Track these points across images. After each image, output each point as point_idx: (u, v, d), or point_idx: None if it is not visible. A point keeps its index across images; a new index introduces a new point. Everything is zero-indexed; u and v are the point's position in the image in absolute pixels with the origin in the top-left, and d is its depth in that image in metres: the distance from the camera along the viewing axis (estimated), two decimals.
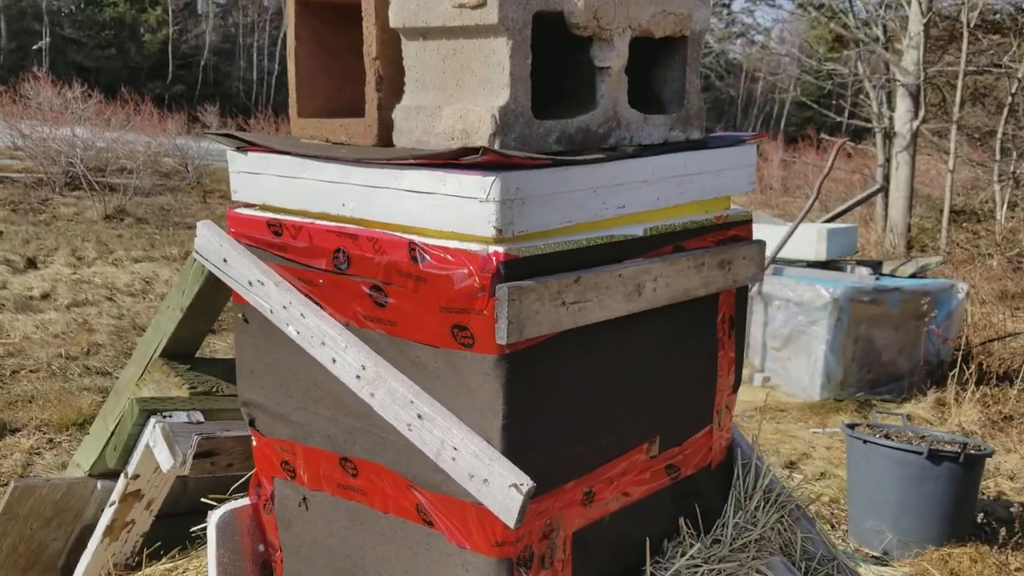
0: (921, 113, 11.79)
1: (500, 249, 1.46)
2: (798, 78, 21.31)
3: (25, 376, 5.42)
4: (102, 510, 2.85)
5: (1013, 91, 11.92)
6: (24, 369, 5.53)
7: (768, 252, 5.16)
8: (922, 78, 11.68)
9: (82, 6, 41.99)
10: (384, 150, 1.68)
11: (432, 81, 1.62)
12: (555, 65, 1.72)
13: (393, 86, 1.71)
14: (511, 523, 1.49)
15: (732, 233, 1.95)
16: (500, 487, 1.49)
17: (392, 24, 1.64)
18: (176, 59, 41.80)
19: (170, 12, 42.09)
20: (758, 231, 2.08)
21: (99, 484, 2.83)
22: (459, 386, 1.56)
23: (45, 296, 7.54)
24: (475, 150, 1.42)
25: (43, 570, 2.97)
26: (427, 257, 1.52)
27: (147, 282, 8.35)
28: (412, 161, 1.51)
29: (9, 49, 38.31)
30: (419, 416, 1.58)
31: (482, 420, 1.54)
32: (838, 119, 15.41)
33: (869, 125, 13.99)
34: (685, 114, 1.85)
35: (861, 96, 15.17)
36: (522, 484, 1.47)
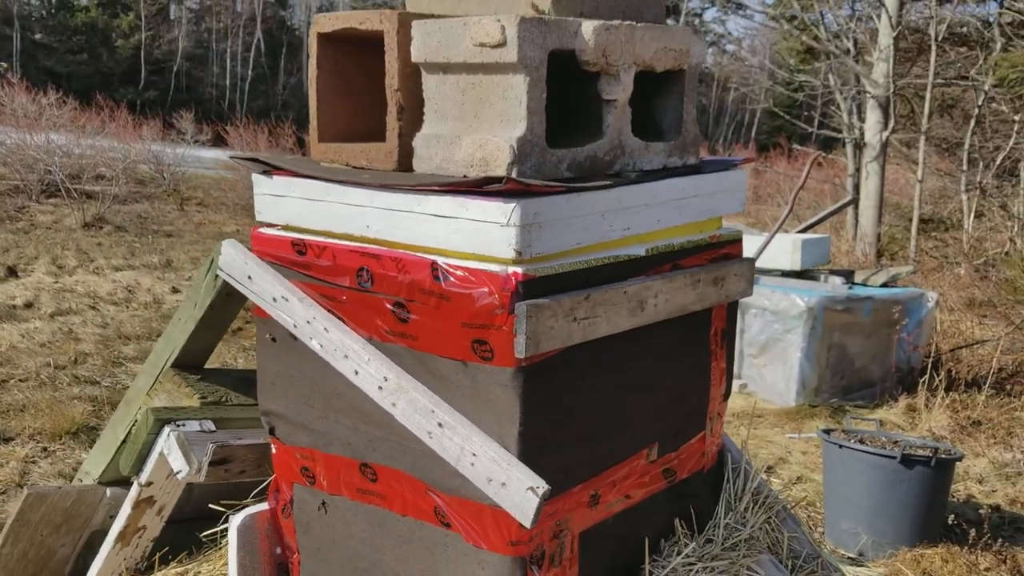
0: (891, 124, 12.06)
1: (519, 270, 1.58)
2: (769, 89, 21.65)
3: (15, 385, 5.45)
4: (111, 516, 2.94)
5: (980, 103, 12.23)
6: (13, 379, 5.56)
7: None
8: (892, 90, 11.95)
9: (53, 11, 41.63)
10: (405, 175, 1.79)
11: (451, 112, 1.74)
12: (565, 96, 1.85)
13: (412, 115, 1.83)
14: (527, 523, 1.61)
15: (724, 251, 2.08)
16: (517, 490, 1.61)
17: (414, 59, 1.76)
18: (149, 64, 41.52)
19: (143, 17, 41.83)
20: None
21: (108, 491, 2.92)
22: (478, 396, 1.67)
23: (28, 305, 7.55)
24: (498, 179, 1.55)
25: (50, 575, 3.04)
26: (449, 276, 1.64)
27: (129, 291, 8.37)
28: (438, 187, 1.63)
29: None
30: (439, 424, 1.70)
31: (500, 428, 1.66)
32: (809, 130, 15.70)
33: (839, 135, 14.28)
34: (683, 141, 1.98)
35: (832, 107, 15.47)
36: (538, 487, 1.59)
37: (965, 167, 12.35)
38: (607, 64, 1.74)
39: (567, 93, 1.85)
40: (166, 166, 17.21)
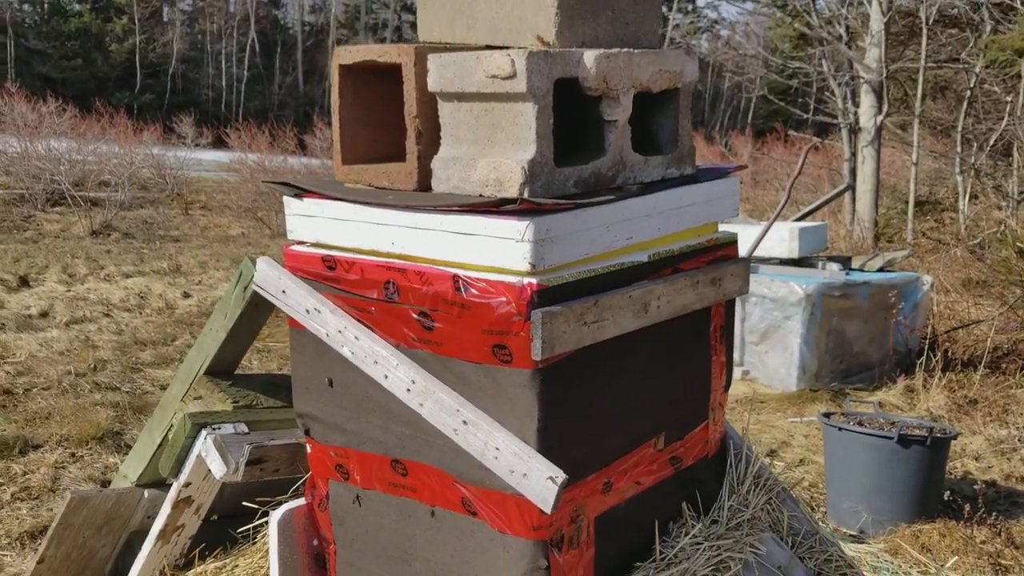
0: (884, 108, 12.21)
1: (534, 280, 1.74)
2: (763, 76, 21.77)
3: (38, 393, 5.63)
4: (148, 517, 3.11)
5: (972, 85, 12.38)
6: (36, 387, 5.74)
7: (743, 251, 5.49)
8: (884, 74, 12.10)
9: (46, 17, 41.70)
10: (425, 195, 1.96)
11: (466, 136, 1.91)
12: (569, 116, 2.01)
13: (430, 139, 1.99)
14: (547, 510, 1.77)
15: (721, 253, 2.25)
16: (538, 480, 1.77)
17: (430, 89, 1.92)
18: (144, 68, 41.63)
19: (136, 21, 41.89)
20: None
21: (146, 493, 3.09)
22: (499, 396, 1.84)
23: (43, 314, 7.72)
24: (512, 200, 1.71)
25: (92, 575, 3.21)
26: (470, 288, 1.80)
27: (142, 297, 8.54)
28: (458, 207, 1.79)
29: None
30: (464, 422, 1.86)
31: (520, 424, 1.82)
32: (804, 115, 15.84)
33: (835, 121, 14.43)
34: (679, 153, 2.15)
35: (826, 92, 15.61)
36: (556, 477, 1.76)
37: (959, 148, 12.51)
38: (608, 88, 1.90)
39: (571, 114, 2.01)
40: (168, 170, 17.38)
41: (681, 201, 2.11)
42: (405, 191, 2.01)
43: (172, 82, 41.91)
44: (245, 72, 43.53)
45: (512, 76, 1.76)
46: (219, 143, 21.95)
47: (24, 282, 8.92)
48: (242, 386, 2.94)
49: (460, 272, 1.83)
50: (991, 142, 12.41)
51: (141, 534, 3.04)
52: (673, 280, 2.06)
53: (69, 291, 8.67)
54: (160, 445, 2.97)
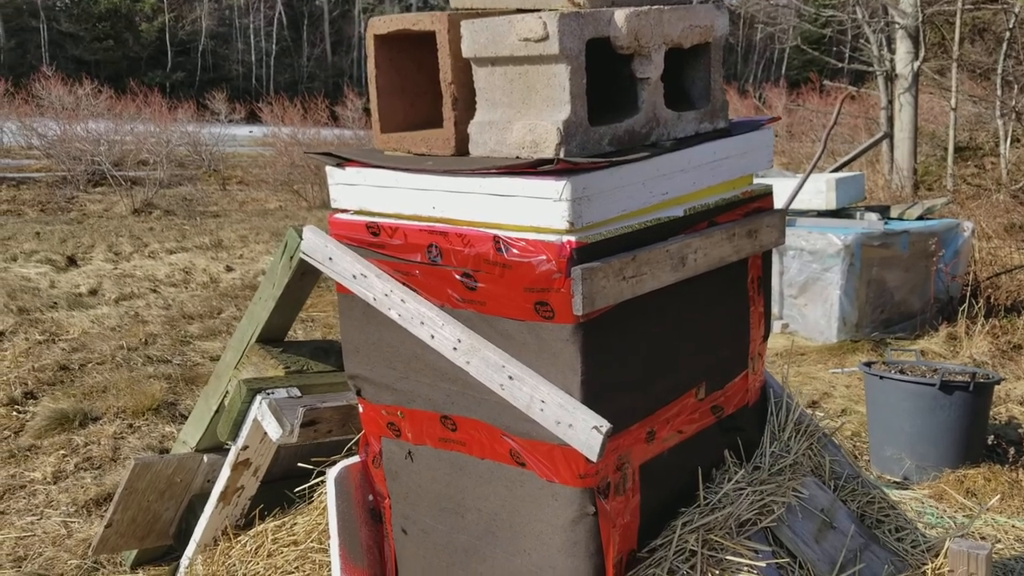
0: (921, 53, 11.97)
1: (572, 238, 1.80)
2: (796, 26, 21.38)
3: (93, 368, 5.81)
4: (208, 481, 3.24)
5: (1011, 25, 12.09)
6: (91, 362, 5.92)
7: (779, 204, 5.47)
8: (920, 18, 11.85)
9: (77, 0, 42.05)
10: (463, 159, 2.01)
11: (501, 100, 1.95)
12: (601, 75, 2.04)
13: (465, 104, 2.04)
14: (593, 458, 1.84)
15: (756, 205, 2.28)
16: (583, 429, 1.84)
17: (464, 54, 1.96)
18: (174, 46, 41.91)
19: None
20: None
21: (205, 458, 3.22)
22: (542, 351, 1.90)
23: (93, 292, 7.93)
24: (549, 161, 1.76)
25: (157, 538, 3.36)
26: (511, 248, 1.86)
27: (186, 272, 8.72)
28: (496, 170, 1.84)
29: (9, 48, 38.51)
30: (510, 377, 1.93)
31: (563, 377, 1.88)
32: (839, 64, 15.56)
33: (870, 69, 14.17)
34: (711, 108, 2.17)
35: (861, 40, 15.32)
36: (601, 426, 1.82)
37: (999, 91, 12.25)
38: (639, 46, 1.93)
39: (604, 73, 2.05)
40: (203, 147, 17.59)
41: (715, 155, 2.14)
42: (443, 156, 2.07)
43: (202, 59, 42.17)
44: (274, 46, 43.65)
45: (544, 38, 1.80)
46: (252, 118, 22.13)
47: (72, 262, 9.14)
48: (292, 352, 3.04)
49: (500, 233, 1.88)
50: None
51: (202, 497, 3.18)
52: (709, 233, 2.10)
53: (116, 269, 8.87)
54: (217, 411, 3.08)
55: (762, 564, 2.06)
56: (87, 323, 6.86)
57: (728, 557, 2.06)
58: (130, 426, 4.86)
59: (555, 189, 1.77)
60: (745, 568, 2.04)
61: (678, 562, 2.05)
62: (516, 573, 2.05)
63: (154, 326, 6.83)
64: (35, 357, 5.92)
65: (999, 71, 12.23)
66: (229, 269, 8.95)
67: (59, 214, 12.40)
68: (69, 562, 3.48)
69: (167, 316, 7.15)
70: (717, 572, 2.03)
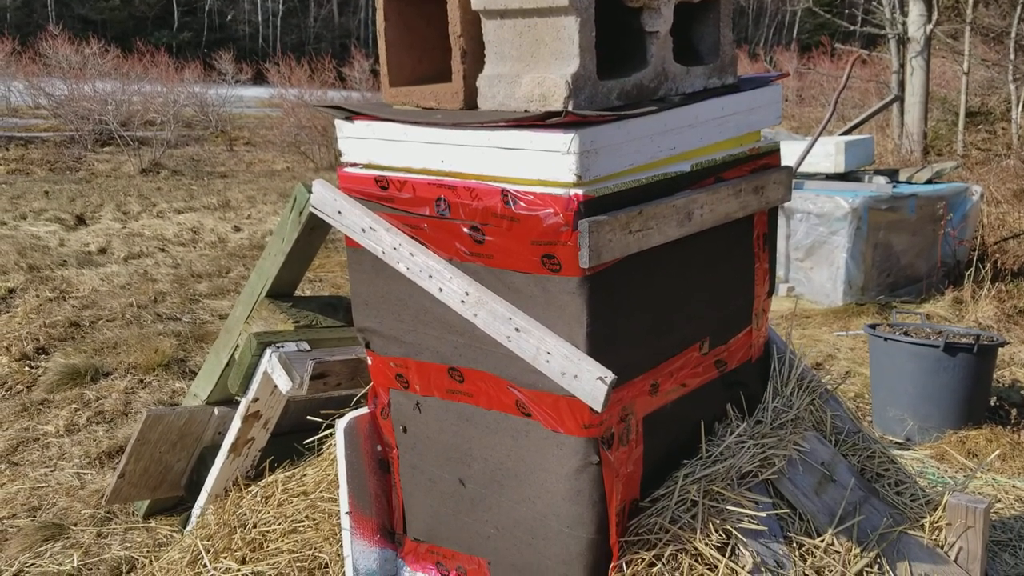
0: (934, 16, 11.84)
1: (579, 192, 1.81)
2: None
3: (104, 325, 5.86)
4: (219, 433, 3.29)
5: None
6: (101, 319, 5.98)
7: None
8: None
9: None
10: (472, 113, 2.02)
11: (510, 53, 1.96)
12: (611, 28, 2.05)
13: (474, 57, 2.05)
14: (598, 408, 1.87)
15: (763, 162, 2.29)
16: (588, 380, 1.87)
17: (474, 7, 1.97)
18: (180, 6, 41.59)
19: None
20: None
21: (216, 411, 3.26)
22: (548, 304, 1.93)
23: (102, 251, 7.97)
24: (557, 113, 1.77)
25: (169, 488, 3.42)
26: (519, 201, 1.88)
27: (194, 232, 8.76)
28: (504, 123, 1.86)
29: (15, 7, 38.26)
30: (517, 329, 1.96)
31: (569, 329, 1.91)
32: (851, 27, 15.40)
33: (882, 32, 14.03)
34: (720, 63, 2.18)
35: (873, 2, 15.14)
36: (606, 377, 1.85)
37: (1012, 56, 12.12)
38: (648, 0, 1.93)
39: (613, 26, 2.05)
40: (210, 107, 17.54)
41: (723, 111, 2.15)
42: (452, 110, 2.08)
43: (209, 19, 41.87)
44: (280, 6, 43.29)
45: None
46: (259, 79, 22.01)
47: (81, 220, 9.18)
48: (302, 307, 3.07)
49: (508, 186, 1.90)
50: None
51: (213, 449, 3.23)
52: (716, 189, 2.11)
53: (124, 228, 8.91)
54: (227, 365, 3.12)
55: (762, 514, 2.10)
56: (97, 281, 6.91)
57: (729, 507, 2.10)
58: (140, 381, 4.92)
59: (563, 142, 1.79)
60: (746, 518, 2.08)
61: (680, 511, 2.09)
62: (521, 520, 2.09)
63: (163, 284, 6.88)
64: (46, 314, 5.98)
65: (1012, 35, 12.10)
66: (237, 229, 8.98)
67: (67, 173, 12.42)
68: (83, 512, 3.54)
69: (176, 275, 7.20)
70: (718, 522, 2.07)
